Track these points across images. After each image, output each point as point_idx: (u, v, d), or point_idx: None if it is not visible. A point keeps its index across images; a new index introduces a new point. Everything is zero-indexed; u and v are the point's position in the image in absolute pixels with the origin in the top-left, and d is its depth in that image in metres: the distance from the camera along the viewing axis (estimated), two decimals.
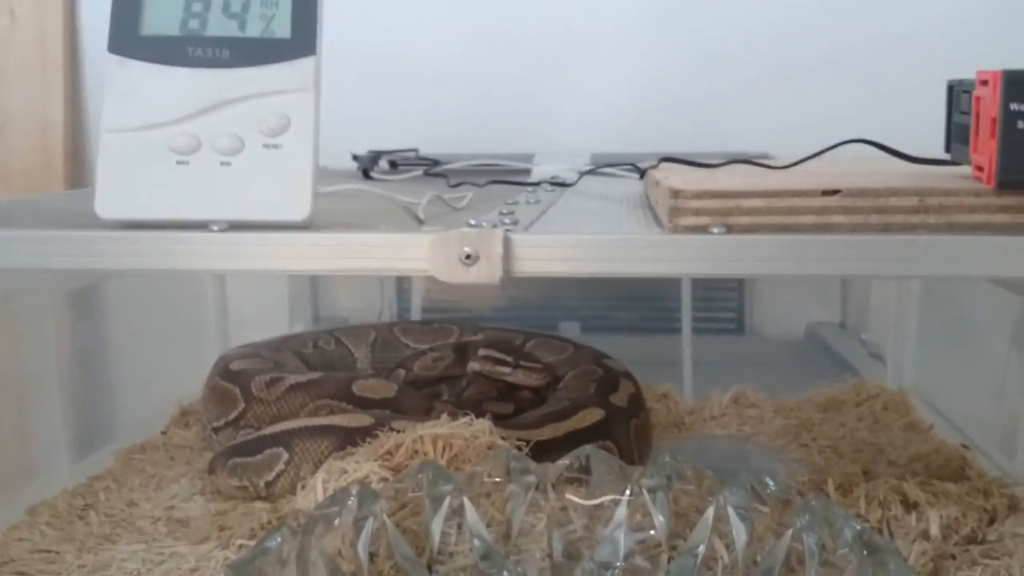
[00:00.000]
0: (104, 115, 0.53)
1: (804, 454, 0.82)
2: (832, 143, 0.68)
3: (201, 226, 0.51)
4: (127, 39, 0.54)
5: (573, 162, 1.00)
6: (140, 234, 0.50)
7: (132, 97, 0.53)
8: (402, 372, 0.89)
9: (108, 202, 0.52)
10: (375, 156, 1.04)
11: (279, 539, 0.48)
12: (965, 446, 0.77)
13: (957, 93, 0.57)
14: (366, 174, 0.98)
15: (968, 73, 0.54)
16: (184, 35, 0.54)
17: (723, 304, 1.36)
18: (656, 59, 1.31)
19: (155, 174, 0.52)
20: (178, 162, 0.52)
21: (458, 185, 0.81)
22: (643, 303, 1.31)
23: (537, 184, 0.84)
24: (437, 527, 0.56)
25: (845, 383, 0.97)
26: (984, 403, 0.84)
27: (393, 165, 1.04)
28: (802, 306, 1.35)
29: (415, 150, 1.11)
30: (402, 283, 1.30)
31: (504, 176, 0.90)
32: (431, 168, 0.98)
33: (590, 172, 0.94)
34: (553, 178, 0.88)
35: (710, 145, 1.19)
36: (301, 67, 0.54)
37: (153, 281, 0.96)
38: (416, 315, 1.24)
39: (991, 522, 0.59)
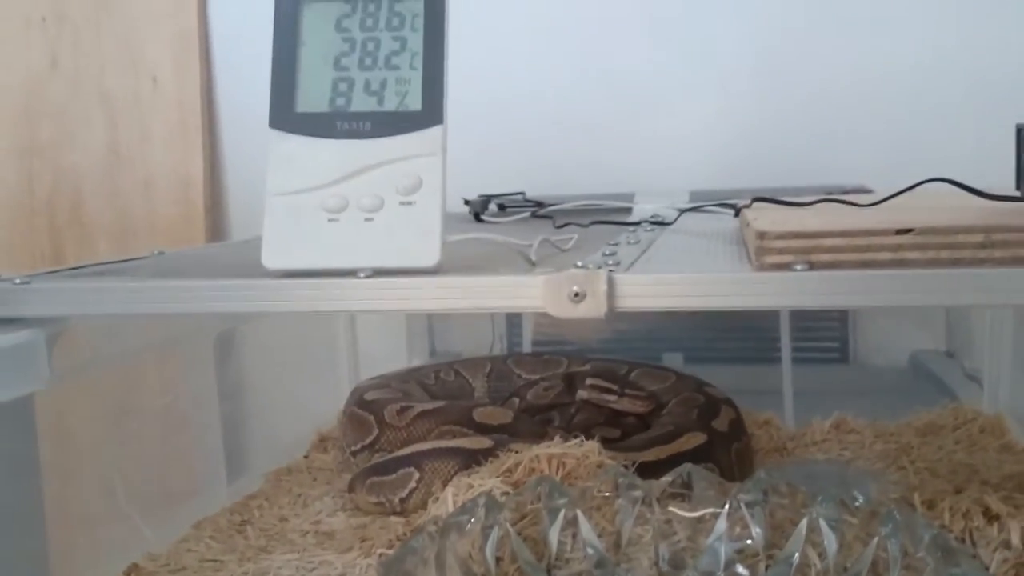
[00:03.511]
0: (268, 181, 0.62)
1: (902, 476, 0.85)
2: (921, 179, 0.73)
3: (350, 273, 0.59)
4: (285, 116, 0.63)
5: (672, 200, 1.05)
6: (300, 281, 0.59)
7: (290, 165, 0.62)
8: (516, 400, 0.96)
9: (272, 254, 0.61)
10: (485, 200, 1.11)
11: (421, 542, 0.56)
12: None
13: None
14: (477, 217, 1.04)
15: None
16: (332, 111, 0.63)
17: (826, 334, 1.38)
18: (754, 99, 1.35)
19: (311, 230, 0.61)
20: (329, 220, 0.61)
21: (564, 226, 0.86)
22: (744, 334, 1.34)
23: (638, 223, 0.89)
24: (554, 536, 0.63)
25: (944, 408, 1.00)
26: None
27: (502, 208, 1.10)
28: (906, 335, 1.36)
29: (522, 193, 1.17)
30: (512, 319, 1.37)
31: (606, 215, 0.94)
32: (537, 210, 1.04)
33: (688, 210, 0.99)
34: (653, 216, 0.93)
35: (808, 179, 1.23)
36: (431, 135, 0.62)
37: (286, 326, 1.06)
38: (527, 349, 1.32)
39: None
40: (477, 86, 1.35)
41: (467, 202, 1.10)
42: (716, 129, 1.37)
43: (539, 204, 1.07)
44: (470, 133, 1.37)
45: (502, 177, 1.24)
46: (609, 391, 0.93)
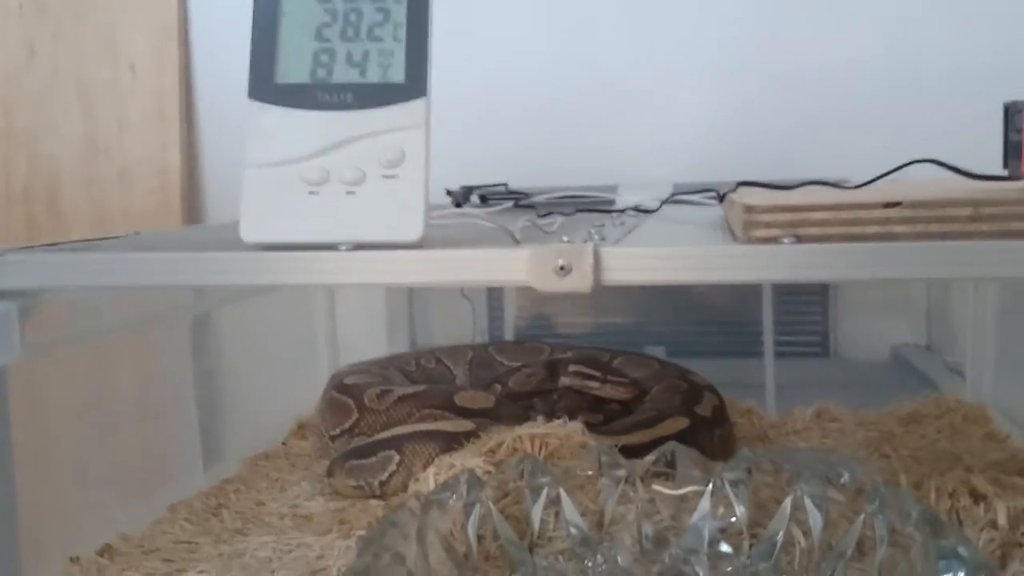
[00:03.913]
0: (246, 153, 0.61)
1: (885, 463, 0.85)
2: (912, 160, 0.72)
3: (331, 247, 0.58)
4: (265, 87, 0.62)
5: (655, 192, 1.05)
6: (280, 255, 0.58)
7: (270, 137, 0.61)
8: (498, 387, 0.96)
9: (251, 227, 0.60)
10: (467, 191, 1.10)
11: (403, 517, 0.55)
12: None
13: (1012, 113, 0.62)
14: (459, 208, 1.04)
15: None
16: (313, 83, 0.62)
17: (808, 327, 1.39)
18: (736, 90, 1.35)
19: (290, 203, 0.60)
20: (310, 192, 0.60)
21: (547, 215, 0.86)
22: (727, 327, 1.34)
23: (622, 211, 0.89)
24: (536, 515, 0.62)
25: (926, 398, 1.00)
26: None
27: (484, 199, 1.09)
28: (887, 328, 1.37)
29: (505, 184, 1.16)
30: (493, 309, 1.37)
31: (590, 206, 0.94)
32: (520, 200, 1.03)
33: (671, 200, 0.99)
34: (636, 206, 0.93)
35: (790, 173, 1.22)
36: (414, 107, 0.61)
37: (267, 308, 1.04)
38: (508, 338, 1.31)
39: None
40: (461, 78, 1.35)
41: (449, 192, 1.09)
42: (699, 122, 1.37)
43: (522, 195, 1.07)
44: (453, 124, 1.37)
45: (485, 169, 1.23)
46: (592, 377, 0.93)
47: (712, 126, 1.36)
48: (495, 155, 1.39)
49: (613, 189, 1.11)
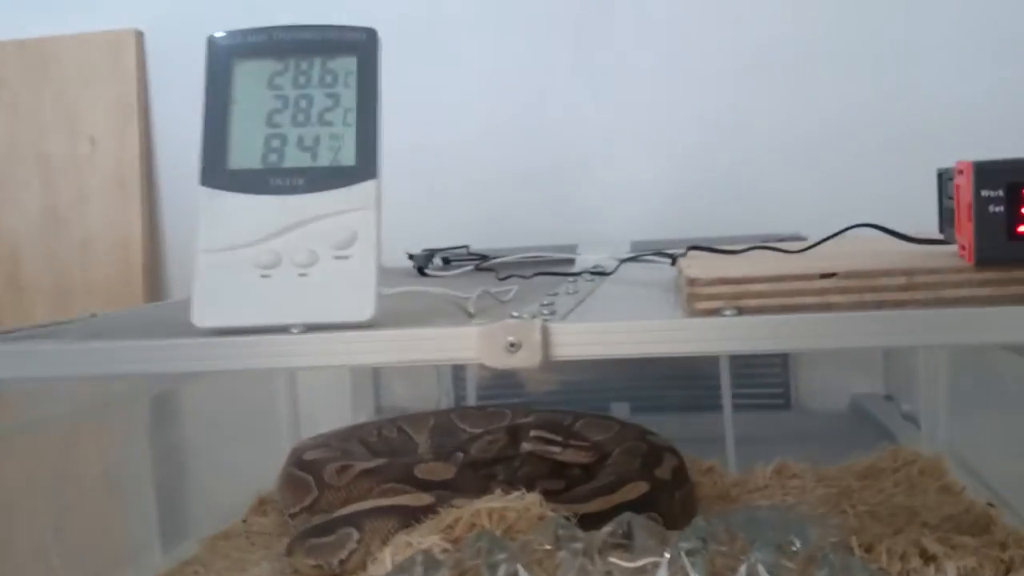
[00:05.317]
0: (199, 238, 0.62)
1: (843, 520, 0.86)
2: (853, 223, 0.74)
3: (282, 329, 0.59)
4: (217, 173, 0.63)
5: (614, 250, 1.07)
6: (232, 339, 0.58)
7: (222, 222, 0.62)
8: (460, 455, 0.95)
9: (203, 312, 0.61)
10: (429, 254, 1.11)
11: None
12: (991, 504, 0.80)
13: (944, 180, 0.64)
14: (421, 271, 1.04)
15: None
16: (265, 168, 0.63)
17: (768, 380, 1.40)
18: (693, 150, 1.39)
19: (243, 286, 0.61)
20: (262, 275, 0.61)
21: (507, 278, 0.87)
22: (690, 382, 1.35)
23: (579, 274, 0.90)
24: None
25: (883, 451, 1.01)
26: (1016, 463, 0.88)
27: (447, 261, 1.10)
28: (846, 379, 1.39)
29: (466, 246, 1.17)
30: (458, 372, 1.37)
31: (549, 267, 0.95)
32: (481, 263, 1.04)
33: (628, 260, 1.00)
34: (594, 267, 0.94)
35: (746, 228, 1.26)
36: (365, 189, 0.62)
37: (226, 384, 1.04)
38: (472, 402, 1.31)
39: (1007, 572, 0.63)
40: (422, 140, 1.37)
41: (411, 256, 1.10)
42: (657, 182, 1.40)
43: (483, 257, 1.08)
44: (415, 187, 1.40)
45: (447, 231, 1.25)
46: (553, 442, 0.93)
47: (669, 186, 1.39)
48: (459, 217, 1.41)
49: (573, 248, 1.13)
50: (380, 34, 0.65)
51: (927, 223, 0.71)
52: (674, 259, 0.87)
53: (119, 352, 0.60)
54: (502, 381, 1.35)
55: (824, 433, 1.29)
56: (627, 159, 1.40)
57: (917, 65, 1.34)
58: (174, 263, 1.52)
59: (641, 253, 1.02)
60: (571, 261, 1.04)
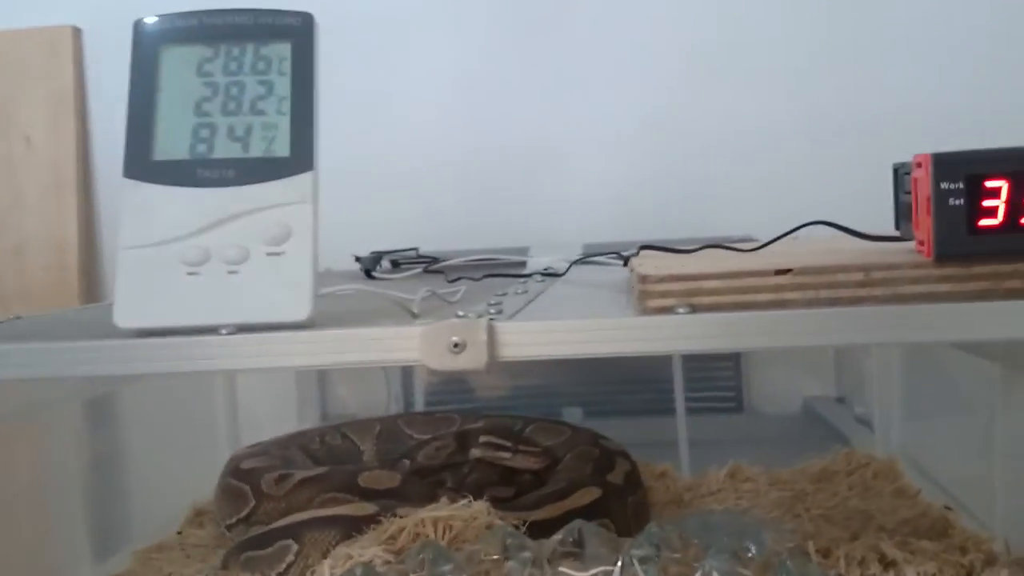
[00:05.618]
0: (121, 234, 0.58)
1: (797, 524, 0.84)
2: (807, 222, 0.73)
3: (211, 330, 0.55)
4: (141, 164, 0.60)
5: (566, 253, 1.05)
6: (156, 341, 0.54)
7: (146, 216, 0.58)
8: (407, 462, 0.92)
9: (126, 312, 0.57)
10: (377, 257, 1.08)
11: None
12: (948, 507, 0.79)
13: (900, 175, 0.62)
14: (368, 274, 1.01)
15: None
16: (193, 159, 0.59)
17: (721, 383, 1.39)
18: (642, 154, 1.38)
19: (168, 285, 0.57)
20: (189, 273, 0.57)
21: (456, 280, 0.85)
22: (643, 386, 1.34)
23: (529, 276, 0.88)
24: None
25: (837, 454, 1.00)
26: (970, 465, 0.87)
27: (395, 264, 1.08)
28: (798, 382, 1.38)
29: (415, 249, 1.15)
30: (407, 377, 1.33)
31: (500, 269, 0.93)
32: (430, 265, 1.02)
33: (579, 261, 0.98)
34: (546, 269, 0.92)
35: (697, 231, 1.24)
36: (300, 182, 0.59)
37: (165, 387, 1.00)
38: (420, 407, 1.28)
39: None
40: (372, 142, 1.34)
41: (358, 259, 1.07)
42: (608, 185, 1.39)
43: (432, 260, 1.05)
44: (364, 192, 1.36)
45: (395, 234, 1.22)
46: (503, 448, 0.90)
47: (620, 189, 1.38)
48: (407, 220, 1.38)
49: (524, 251, 1.11)
50: (321, 26, 0.62)
51: (880, 223, 0.70)
52: (626, 260, 0.85)
53: (36, 354, 0.56)
54: (452, 386, 1.32)
55: (777, 436, 1.28)
56: (579, 161, 1.39)
57: (867, 63, 1.34)
58: (111, 265, 1.46)
59: (593, 254, 1.00)
60: (522, 263, 1.02)
